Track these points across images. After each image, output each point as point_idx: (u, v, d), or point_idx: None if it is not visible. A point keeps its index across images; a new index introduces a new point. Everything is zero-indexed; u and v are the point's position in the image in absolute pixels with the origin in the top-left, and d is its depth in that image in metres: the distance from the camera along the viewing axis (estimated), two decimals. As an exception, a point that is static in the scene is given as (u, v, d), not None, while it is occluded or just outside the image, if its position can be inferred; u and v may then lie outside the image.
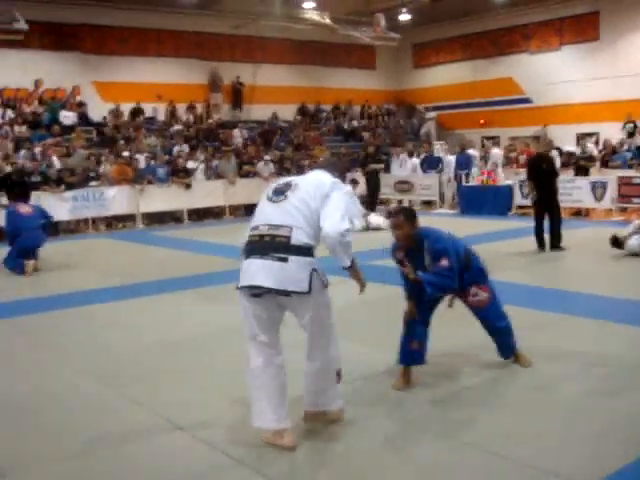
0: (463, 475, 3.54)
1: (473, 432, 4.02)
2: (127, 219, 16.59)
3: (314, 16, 22.88)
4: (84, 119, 20.80)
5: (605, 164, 17.65)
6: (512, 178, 16.63)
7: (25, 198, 13.41)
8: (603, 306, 7.03)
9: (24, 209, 10.46)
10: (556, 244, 10.59)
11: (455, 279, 4.57)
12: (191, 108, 23.27)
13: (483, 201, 16.22)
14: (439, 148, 20.25)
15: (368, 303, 7.34)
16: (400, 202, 18.62)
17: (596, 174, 16.36)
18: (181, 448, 3.95)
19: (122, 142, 19.06)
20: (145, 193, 16.46)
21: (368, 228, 13.44)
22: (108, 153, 17.82)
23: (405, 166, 19.20)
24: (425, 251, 4.59)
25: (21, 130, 18.79)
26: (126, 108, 21.89)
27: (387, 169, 19.02)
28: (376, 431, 4.08)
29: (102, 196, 15.92)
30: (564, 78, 23.59)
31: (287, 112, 25.42)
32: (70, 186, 15.62)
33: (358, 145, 23.92)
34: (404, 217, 4.61)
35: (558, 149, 17.04)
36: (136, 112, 21.98)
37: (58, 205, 15.18)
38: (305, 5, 22.71)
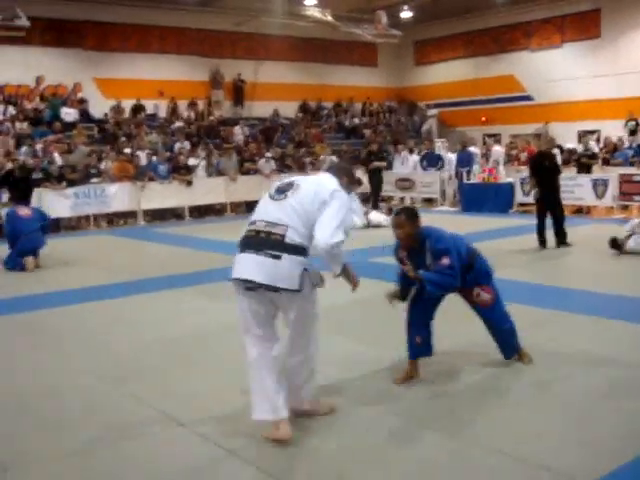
0: (463, 472, 3.54)
1: (473, 429, 4.03)
2: (128, 216, 16.61)
3: (316, 13, 22.86)
4: (85, 116, 20.81)
5: (606, 162, 17.64)
6: (513, 176, 16.63)
7: (27, 196, 13.51)
8: (604, 304, 7.03)
9: (23, 212, 10.51)
10: (562, 241, 10.60)
11: (456, 278, 4.56)
12: (192, 105, 23.26)
13: (484, 199, 16.22)
14: (440, 146, 20.24)
15: (366, 301, 7.34)
16: (402, 199, 18.63)
17: (597, 172, 16.35)
18: (182, 444, 3.96)
19: (123, 139, 19.07)
20: (146, 190, 16.49)
21: (369, 225, 13.45)
22: (109, 150, 17.83)
23: (407, 163, 19.21)
24: (427, 251, 4.59)
25: (22, 127, 18.80)
26: (127, 105, 21.89)
27: (389, 167, 19.03)
28: (374, 427, 4.09)
29: (103, 193, 15.94)
30: (565, 76, 23.56)
31: (288, 109, 25.41)
32: (71, 183, 15.65)
33: (359, 142, 23.91)
34: (405, 216, 4.61)
35: (559, 147, 17.01)
36: (137, 109, 21.97)
37: (59, 202, 15.23)
38: (307, 2, 22.69)
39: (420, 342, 4.80)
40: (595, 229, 12.67)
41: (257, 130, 23.11)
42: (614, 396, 4.47)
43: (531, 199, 15.03)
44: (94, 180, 16.23)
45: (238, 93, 24.78)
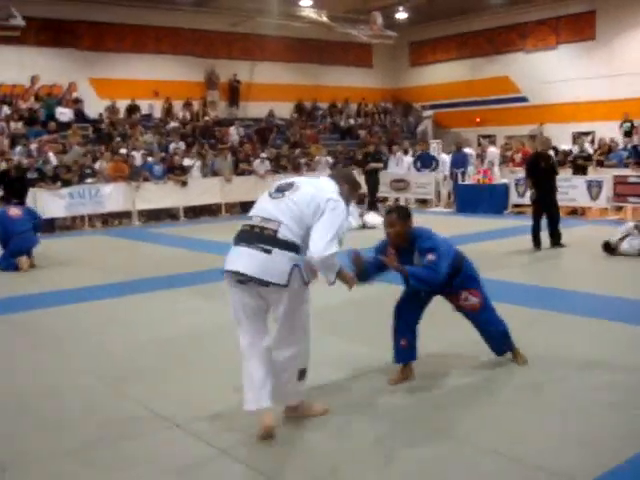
0: (459, 472, 3.55)
1: (468, 430, 4.03)
2: (123, 216, 16.58)
3: (311, 14, 22.88)
4: (80, 116, 20.76)
5: (601, 163, 17.68)
6: (508, 177, 16.67)
7: (22, 196, 13.48)
8: (599, 305, 7.05)
9: (14, 212, 10.46)
10: (557, 242, 10.65)
11: (439, 274, 4.49)
12: (187, 105, 23.23)
13: (479, 200, 16.24)
14: (435, 147, 20.26)
15: (359, 301, 7.35)
16: (397, 200, 18.64)
17: (592, 173, 16.38)
18: (179, 444, 3.97)
19: (118, 139, 19.05)
20: (141, 190, 16.46)
21: (364, 226, 13.48)
22: (104, 150, 17.80)
23: (401, 164, 19.22)
24: (415, 250, 4.59)
25: (17, 126, 18.75)
26: (122, 105, 21.85)
27: (384, 168, 19.03)
28: (368, 428, 4.09)
29: (98, 193, 15.91)
30: (560, 77, 23.62)
31: (284, 110, 25.41)
32: (66, 183, 15.61)
33: (354, 143, 23.93)
34: (397, 216, 4.62)
35: (554, 148, 17.05)
36: (132, 109, 21.93)
37: (54, 202, 15.21)
38: (302, 3, 22.70)
39: (405, 345, 4.80)
40: (589, 230, 12.71)
41: (252, 131, 23.10)
42: (611, 396, 4.47)
43: (526, 200, 15.10)
44: (89, 180, 16.20)
45: (233, 93, 24.77)
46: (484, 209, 15.90)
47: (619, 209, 15.03)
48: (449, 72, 27.43)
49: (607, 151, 18.32)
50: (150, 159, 17.72)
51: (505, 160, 18.73)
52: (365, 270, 4.56)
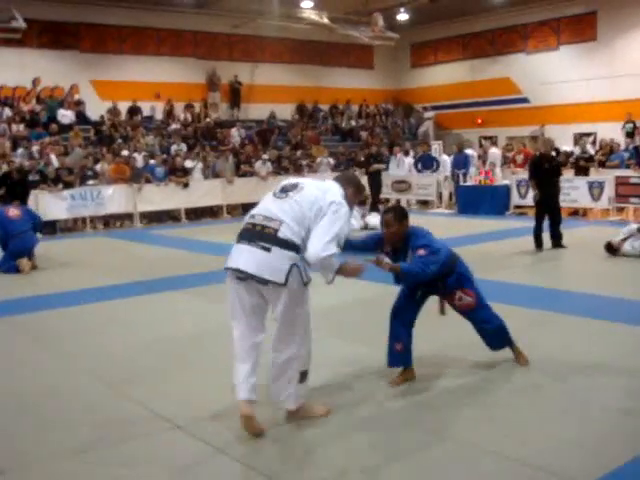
0: (460, 473, 3.54)
1: (470, 431, 4.03)
2: (125, 218, 16.59)
3: (312, 16, 22.87)
4: (82, 118, 20.77)
5: (602, 164, 17.67)
6: (509, 178, 16.66)
7: (24, 198, 13.47)
8: (601, 305, 7.04)
9: (13, 213, 10.38)
10: (558, 243, 10.65)
11: (428, 268, 4.46)
12: (189, 107, 23.24)
13: (480, 201, 16.24)
14: (437, 148, 20.26)
15: (361, 302, 7.38)
16: (398, 202, 18.63)
17: (593, 174, 16.38)
18: (179, 444, 3.97)
19: (120, 141, 19.07)
20: (143, 192, 16.47)
21: (367, 227, 13.47)
22: (106, 152, 17.81)
23: (402, 166, 19.22)
24: (409, 248, 4.59)
25: (19, 129, 18.78)
26: (124, 107, 21.86)
27: (387, 169, 19.03)
28: (368, 428, 4.09)
29: (100, 195, 15.92)
30: (561, 78, 23.59)
31: (285, 111, 25.41)
32: (68, 185, 15.62)
33: (356, 145, 23.94)
34: (394, 216, 4.63)
35: (555, 149, 17.04)
36: (133, 111, 21.94)
37: (55, 204, 15.22)
38: (303, 5, 22.68)
39: (401, 350, 4.80)
40: (591, 231, 12.71)
41: (253, 132, 23.10)
42: (612, 398, 4.47)
43: (527, 202, 15.12)
44: (90, 182, 16.21)
45: (234, 95, 24.76)
46: (485, 210, 15.90)
47: (621, 210, 15.03)
48: (450, 73, 27.42)
49: (609, 152, 18.31)
50: (152, 161, 17.74)
51: (506, 161, 18.73)
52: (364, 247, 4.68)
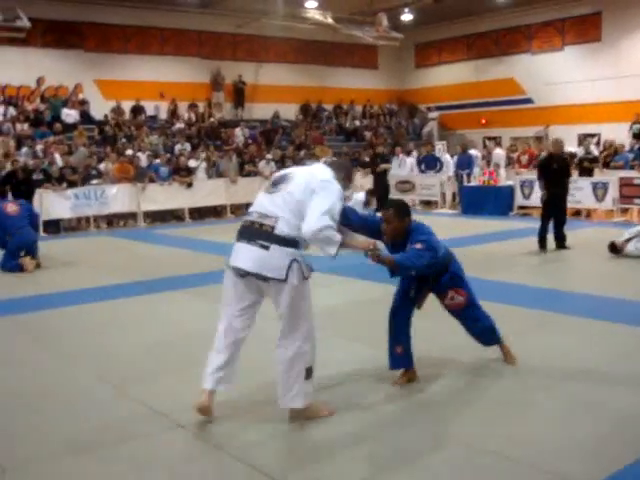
0: (460, 474, 3.54)
1: (470, 432, 4.02)
2: (128, 217, 16.61)
3: (316, 15, 22.86)
4: (86, 117, 20.80)
5: (606, 165, 17.63)
6: (513, 178, 16.64)
7: (28, 197, 13.46)
8: (603, 306, 7.02)
9: (11, 208, 10.33)
10: (562, 244, 10.62)
11: (423, 259, 4.42)
12: (193, 107, 23.26)
13: (484, 201, 16.21)
14: (441, 148, 20.24)
15: (366, 302, 7.37)
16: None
17: (598, 175, 16.34)
18: (180, 444, 3.97)
19: (124, 140, 19.09)
20: (146, 191, 16.49)
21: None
22: (110, 151, 17.83)
23: (404, 166, 19.18)
24: (408, 243, 4.57)
25: (23, 128, 18.81)
26: (128, 106, 21.90)
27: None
28: (369, 429, 4.08)
29: (103, 194, 15.93)
30: (566, 79, 23.56)
31: (289, 111, 25.41)
32: (72, 184, 15.64)
33: (360, 145, 23.93)
34: (394, 212, 4.61)
35: (560, 150, 17.00)
36: (136, 110, 21.95)
37: (59, 203, 15.24)
38: (307, 4, 22.68)
39: (401, 352, 4.80)
40: (595, 232, 12.68)
41: (257, 132, 23.11)
42: (614, 398, 4.46)
43: (531, 202, 15.11)
44: (94, 181, 16.23)
45: (238, 95, 24.78)
46: (489, 211, 15.87)
47: (625, 211, 15.00)
48: (455, 73, 27.39)
49: (613, 153, 18.26)
50: (156, 160, 17.75)
51: (511, 162, 18.70)
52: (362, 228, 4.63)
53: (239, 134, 22.09)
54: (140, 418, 4.37)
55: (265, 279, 3.95)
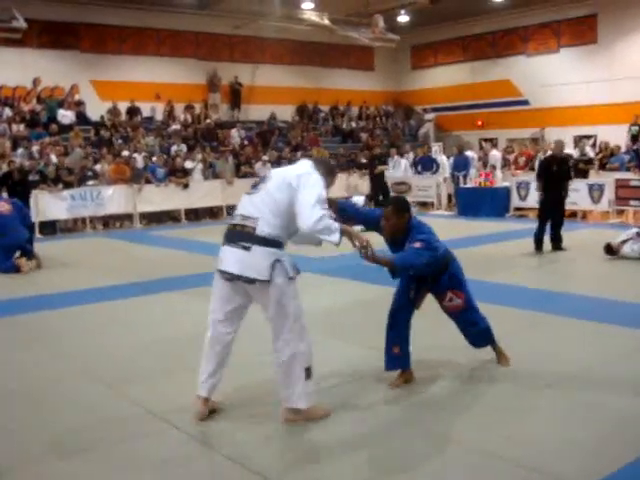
0: (460, 475, 3.54)
1: (469, 433, 4.02)
2: (124, 218, 16.59)
3: (313, 17, 22.87)
4: (82, 118, 20.75)
5: (602, 166, 17.66)
6: (509, 180, 16.66)
7: (24, 198, 13.44)
8: (599, 307, 7.04)
9: (3, 208, 10.28)
10: (558, 245, 10.62)
11: (422, 258, 4.43)
12: (189, 108, 23.21)
13: (480, 203, 16.23)
14: (437, 149, 20.26)
15: (362, 303, 7.37)
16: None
17: (593, 176, 16.38)
18: (179, 445, 3.96)
19: (120, 141, 19.06)
20: (143, 192, 16.48)
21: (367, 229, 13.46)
22: (106, 152, 17.81)
23: (399, 167, 19.18)
24: (407, 242, 4.57)
25: (19, 129, 18.76)
26: (124, 107, 21.84)
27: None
28: (366, 431, 4.08)
29: (99, 195, 15.92)
30: (562, 80, 23.60)
31: (285, 113, 25.41)
32: (68, 185, 15.62)
33: (356, 146, 23.94)
34: (393, 209, 4.61)
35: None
36: (132, 111, 21.92)
37: (55, 204, 15.22)
38: (304, 6, 22.68)
39: (398, 353, 4.79)
40: (591, 234, 12.70)
41: (254, 133, 23.11)
42: (612, 398, 4.47)
43: (527, 204, 15.14)
44: (90, 182, 16.21)
45: (235, 96, 24.74)
46: (485, 212, 15.89)
47: (621, 212, 15.03)
48: (451, 75, 27.41)
49: (609, 154, 18.30)
50: (152, 161, 17.73)
51: (507, 163, 18.72)
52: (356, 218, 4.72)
53: (235, 135, 22.08)
54: (138, 419, 4.37)
55: (251, 281, 3.96)
